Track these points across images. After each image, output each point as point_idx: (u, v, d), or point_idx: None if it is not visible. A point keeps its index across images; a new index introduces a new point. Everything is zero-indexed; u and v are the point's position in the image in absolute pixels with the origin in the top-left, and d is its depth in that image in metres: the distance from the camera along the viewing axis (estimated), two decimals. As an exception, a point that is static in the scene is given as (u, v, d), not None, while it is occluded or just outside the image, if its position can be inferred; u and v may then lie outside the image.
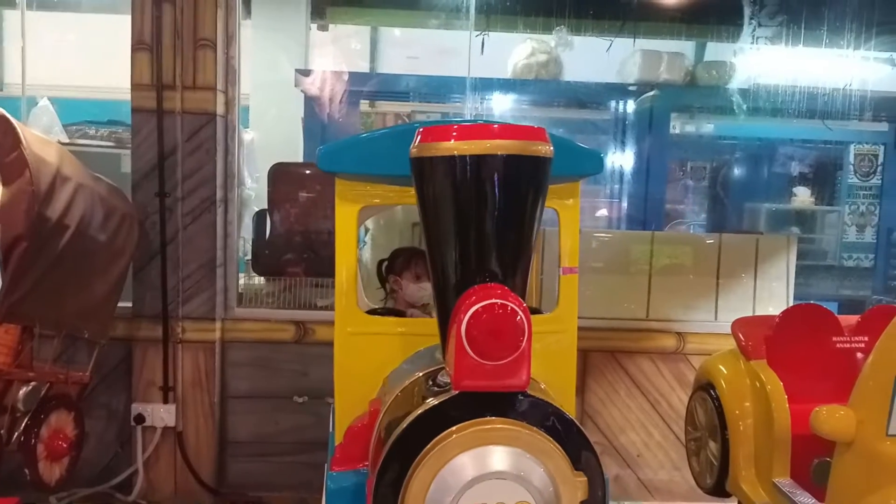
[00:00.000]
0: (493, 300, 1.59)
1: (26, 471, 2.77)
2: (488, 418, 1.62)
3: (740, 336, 3.13)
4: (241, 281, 4.00)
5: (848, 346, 3.01)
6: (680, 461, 3.77)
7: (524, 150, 1.63)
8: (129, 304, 3.67)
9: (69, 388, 3.09)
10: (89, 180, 3.08)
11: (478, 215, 1.65)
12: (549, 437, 1.64)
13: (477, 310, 1.59)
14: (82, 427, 3.15)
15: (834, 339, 3.04)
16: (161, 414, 3.67)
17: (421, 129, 1.70)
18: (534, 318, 1.68)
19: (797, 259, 4.10)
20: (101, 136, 4.64)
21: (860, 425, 2.29)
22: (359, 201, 2.17)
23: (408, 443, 1.63)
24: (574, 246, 2.27)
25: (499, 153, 1.61)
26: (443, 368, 1.80)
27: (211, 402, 3.74)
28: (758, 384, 2.95)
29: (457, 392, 1.64)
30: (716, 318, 3.92)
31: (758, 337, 3.06)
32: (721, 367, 3.18)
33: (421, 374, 1.93)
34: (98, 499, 3.68)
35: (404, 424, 1.66)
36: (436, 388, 1.74)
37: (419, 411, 1.66)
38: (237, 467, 3.84)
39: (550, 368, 2.19)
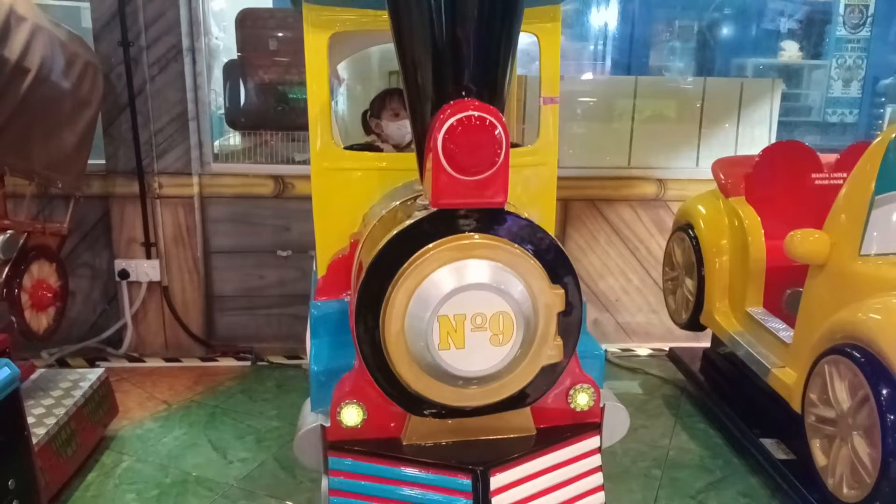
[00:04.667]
0: (470, 112, 1.53)
1: (13, 318, 2.78)
2: (466, 234, 1.60)
3: (720, 175, 3.13)
4: (217, 142, 3.91)
5: (827, 182, 3.03)
6: (657, 304, 3.88)
7: None
8: (103, 162, 3.60)
9: (48, 240, 3.06)
10: (47, 24, 2.91)
11: (451, 27, 1.54)
12: (526, 251, 1.63)
13: (453, 123, 1.52)
14: (66, 279, 3.15)
15: (813, 175, 3.05)
16: (145, 269, 3.68)
17: None
18: (513, 150, 1.62)
19: (780, 115, 4.04)
20: (57, -11, 4.35)
21: (833, 247, 2.33)
22: (329, 27, 2.04)
23: (387, 260, 1.61)
24: (555, 74, 2.18)
25: None
26: (421, 195, 1.77)
27: (194, 258, 3.75)
28: (736, 221, 2.98)
29: (435, 209, 1.61)
30: (697, 165, 3.92)
31: (737, 175, 3.07)
32: (700, 207, 3.20)
33: (398, 202, 1.90)
34: (89, 353, 3.76)
35: (383, 242, 1.64)
36: (414, 212, 1.71)
37: (397, 230, 1.64)
38: (225, 320, 3.91)
39: (531, 201, 2.17)
